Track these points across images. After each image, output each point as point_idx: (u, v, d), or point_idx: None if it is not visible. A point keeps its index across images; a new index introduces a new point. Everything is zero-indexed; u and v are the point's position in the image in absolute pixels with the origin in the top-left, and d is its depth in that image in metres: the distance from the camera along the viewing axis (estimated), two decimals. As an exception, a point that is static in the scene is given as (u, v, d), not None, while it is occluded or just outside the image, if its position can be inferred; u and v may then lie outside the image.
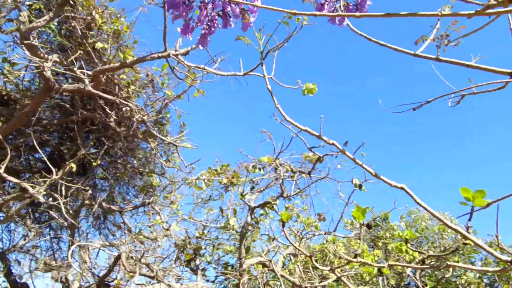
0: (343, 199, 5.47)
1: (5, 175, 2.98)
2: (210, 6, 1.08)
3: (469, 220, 1.63)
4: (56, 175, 3.15)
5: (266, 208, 5.62)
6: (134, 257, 3.93)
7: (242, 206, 5.57)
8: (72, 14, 3.89)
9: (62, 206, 3.14)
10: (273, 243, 6.33)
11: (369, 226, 1.85)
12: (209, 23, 1.06)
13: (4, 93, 4.56)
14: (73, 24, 4.00)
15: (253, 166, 5.16)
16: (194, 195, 5.38)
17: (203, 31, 1.07)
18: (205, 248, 5.78)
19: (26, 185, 3.10)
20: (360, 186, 4.91)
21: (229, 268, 6.15)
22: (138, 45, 4.15)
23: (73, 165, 3.02)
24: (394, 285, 7.34)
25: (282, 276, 4.13)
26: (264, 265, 5.16)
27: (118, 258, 3.90)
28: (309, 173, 5.54)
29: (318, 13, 1.04)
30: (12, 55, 4.31)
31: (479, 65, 1.14)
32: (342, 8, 1.28)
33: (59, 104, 4.70)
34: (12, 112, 4.34)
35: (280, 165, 5.26)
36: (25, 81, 4.60)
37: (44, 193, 3.18)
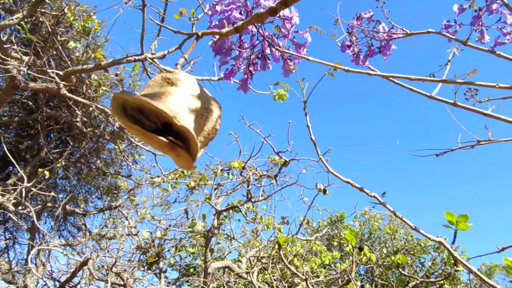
0: (307, 203, 5.59)
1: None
2: (249, 50, 1.07)
3: (453, 243, 1.72)
4: (28, 182, 3.00)
5: (231, 211, 5.63)
6: (104, 265, 3.81)
7: (209, 209, 5.56)
8: (41, 10, 3.70)
9: (33, 214, 2.99)
10: (233, 243, 6.36)
11: (360, 249, 1.90)
12: (250, 68, 1.05)
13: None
14: (41, 19, 3.81)
15: (221, 170, 5.15)
16: (161, 197, 5.30)
17: (245, 76, 1.06)
18: (168, 250, 5.71)
19: (-5, 193, 2.93)
20: (324, 191, 5.01)
21: (191, 270, 6.11)
22: (111, 45, 4.02)
23: (46, 172, 2.88)
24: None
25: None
26: (230, 269, 5.16)
27: (84, 264, 3.77)
28: (275, 177, 5.60)
29: (352, 69, 1.05)
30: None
31: (497, 115, 1.20)
32: (367, 50, 1.31)
33: (20, 100, 4.46)
34: (-31, 108, 4.08)
35: (247, 168, 5.28)
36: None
37: (14, 201, 3.02)
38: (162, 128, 0.67)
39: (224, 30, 0.81)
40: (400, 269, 1.78)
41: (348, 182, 1.02)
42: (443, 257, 7.77)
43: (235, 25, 0.77)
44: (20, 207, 3.02)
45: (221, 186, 5.49)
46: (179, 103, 0.68)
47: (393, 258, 1.90)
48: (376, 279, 8.05)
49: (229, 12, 0.95)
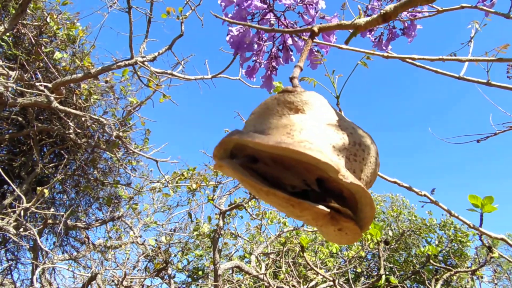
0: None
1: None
2: (270, 42, 0.96)
3: (480, 226, 1.64)
4: (25, 199, 2.88)
5: (234, 210, 5.54)
6: (114, 279, 3.71)
7: (211, 209, 5.47)
8: (22, 21, 3.55)
9: (37, 237, 2.87)
10: (238, 241, 6.28)
11: (386, 243, 1.81)
12: (273, 63, 0.95)
13: None
14: (23, 31, 3.66)
15: (222, 169, 5.05)
16: (163, 202, 5.19)
17: (268, 72, 0.95)
18: (175, 255, 5.61)
19: (-6, 217, 2.80)
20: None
21: (200, 273, 6.02)
22: (98, 51, 3.89)
23: (46, 191, 2.77)
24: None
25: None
26: (240, 269, 5.07)
27: (92, 279, 3.66)
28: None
29: (392, 55, 0.96)
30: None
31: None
32: (388, 33, 1.21)
33: (9, 117, 4.31)
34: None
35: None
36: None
37: (14, 223, 2.90)
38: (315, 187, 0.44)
39: (361, 20, 0.61)
40: (430, 260, 1.71)
41: (395, 182, 0.93)
42: (449, 234, 7.76)
43: (382, 13, 0.61)
44: (21, 229, 2.91)
45: (221, 184, 5.40)
46: (322, 142, 0.45)
47: (422, 249, 1.82)
48: (384, 262, 8.02)
49: (249, 1, 0.84)
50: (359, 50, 0.83)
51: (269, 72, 0.96)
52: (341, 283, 4.46)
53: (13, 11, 2.90)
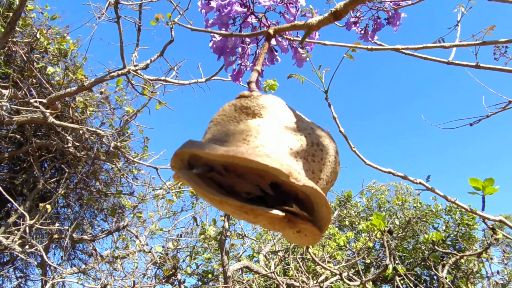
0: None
1: (-28, 229, 2.68)
2: (254, 45, 0.96)
3: (483, 209, 1.63)
4: (30, 219, 2.88)
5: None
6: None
7: (216, 212, 5.47)
8: (12, 39, 3.55)
9: (43, 253, 2.88)
10: (245, 241, 6.29)
11: (390, 232, 1.81)
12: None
13: None
14: (13, 49, 3.66)
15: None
16: (168, 208, 5.20)
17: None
18: (183, 260, 5.62)
19: (-1, 237, 2.81)
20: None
21: (209, 276, 6.03)
22: (90, 63, 3.90)
23: (48, 206, 2.77)
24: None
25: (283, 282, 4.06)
26: (249, 269, 5.08)
27: (101, 291, 3.67)
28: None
29: (376, 47, 0.96)
30: None
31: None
32: (373, 24, 1.20)
33: (6, 135, 4.32)
34: (-44, 152, 3.93)
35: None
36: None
37: (19, 241, 2.91)
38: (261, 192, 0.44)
39: (313, 20, 0.63)
40: (436, 246, 1.72)
41: (389, 172, 0.93)
42: (456, 218, 7.76)
43: (333, 11, 0.61)
44: (27, 246, 2.91)
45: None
46: (278, 145, 0.45)
47: (426, 236, 1.83)
48: (393, 251, 8.02)
49: (228, 7, 0.84)
50: (343, 44, 0.83)
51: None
52: (351, 275, 4.46)
53: (2, 30, 2.90)
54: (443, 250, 1.93)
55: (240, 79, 0.95)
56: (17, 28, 3.69)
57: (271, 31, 0.66)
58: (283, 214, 0.42)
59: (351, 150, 0.94)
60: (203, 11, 0.94)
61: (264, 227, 0.47)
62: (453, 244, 8.31)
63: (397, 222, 8.30)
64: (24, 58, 3.62)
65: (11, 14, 2.84)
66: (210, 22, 0.93)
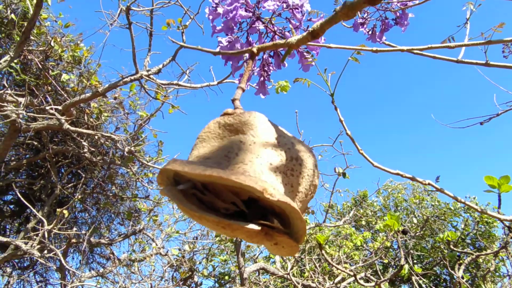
0: (328, 189, 5.51)
1: (-8, 236, 2.73)
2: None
3: (499, 206, 1.61)
4: (48, 224, 2.93)
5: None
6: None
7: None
8: (28, 48, 3.62)
9: (61, 257, 2.92)
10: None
11: (404, 232, 1.80)
12: (265, 68, 0.95)
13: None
14: (29, 57, 3.73)
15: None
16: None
17: (261, 79, 0.95)
18: (200, 263, 5.65)
19: (18, 242, 2.86)
20: (344, 175, 4.90)
21: (226, 277, 6.05)
22: (104, 69, 3.95)
23: (65, 211, 2.81)
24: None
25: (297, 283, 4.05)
26: (265, 270, 5.08)
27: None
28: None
29: (381, 49, 0.95)
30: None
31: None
32: (381, 24, 1.20)
33: (24, 142, 4.40)
34: (-24, 160, 4.02)
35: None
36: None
37: (38, 246, 2.96)
38: (240, 206, 0.46)
39: (293, 39, 0.67)
40: (451, 246, 1.70)
41: (397, 174, 0.92)
42: (475, 216, 7.64)
43: (310, 30, 0.64)
44: (45, 251, 2.96)
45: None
46: (258, 162, 0.47)
47: (441, 236, 1.81)
48: (411, 251, 7.93)
49: (234, 12, 0.84)
50: (348, 47, 0.83)
51: (262, 78, 0.96)
52: (368, 275, 4.43)
53: (17, 39, 2.95)
54: (459, 250, 1.90)
55: (248, 83, 0.95)
56: (32, 37, 3.76)
57: (254, 49, 0.69)
58: (259, 228, 0.44)
59: (358, 152, 0.94)
60: (211, 17, 0.95)
61: (245, 240, 0.48)
62: (473, 242, 8.19)
63: (414, 221, 8.21)
64: (40, 66, 3.68)
65: (25, 24, 2.90)
66: (217, 28, 0.93)
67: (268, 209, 0.47)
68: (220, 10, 0.88)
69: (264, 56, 0.97)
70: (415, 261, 8.18)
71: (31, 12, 2.92)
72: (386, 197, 9.64)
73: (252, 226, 0.44)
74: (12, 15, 3.55)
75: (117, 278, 4.82)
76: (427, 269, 7.99)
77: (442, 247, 7.88)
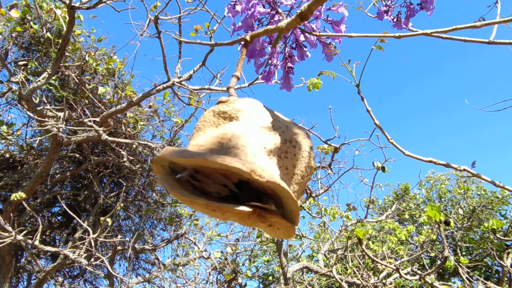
0: (368, 183, 5.43)
1: (41, 246, 2.85)
2: (281, 42, 0.96)
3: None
4: (93, 233, 3.03)
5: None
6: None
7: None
8: (64, 64, 3.76)
9: (107, 264, 3.02)
10: (304, 241, 6.25)
11: (447, 223, 1.74)
12: (288, 61, 0.95)
13: (8, 155, 4.42)
14: (66, 73, 3.87)
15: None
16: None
17: (284, 73, 0.95)
18: (243, 264, 5.68)
19: (66, 252, 2.97)
20: (383, 168, 4.81)
21: (270, 278, 6.05)
22: (137, 79, 4.05)
23: (108, 220, 2.90)
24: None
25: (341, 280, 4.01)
26: (309, 269, 5.05)
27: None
28: (329, 166, 5.45)
29: (404, 34, 0.93)
30: (6, 115, 4.19)
31: None
32: (406, 11, 1.17)
33: (67, 155, 4.56)
34: (23, 175, 4.20)
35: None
36: (26, 138, 4.48)
37: (85, 254, 3.06)
38: (237, 189, 0.46)
39: (283, 23, 0.67)
40: (497, 235, 1.63)
41: (430, 161, 0.89)
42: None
43: (298, 12, 0.64)
44: (92, 259, 3.06)
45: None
46: (251, 146, 0.47)
47: (486, 225, 1.74)
48: (459, 243, 7.68)
49: (252, 9, 0.85)
50: (370, 35, 0.81)
51: (285, 71, 0.95)
52: (414, 269, 4.32)
53: (54, 56, 3.07)
54: (506, 238, 1.82)
55: (271, 79, 0.95)
56: (67, 53, 3.90)
57: (247, 37, 0.69)
58: (250, 209, 0.44)
59: (388, 142, 0.92)
60: (230, 15, 0.96)
61: (238, 223, 0.48)
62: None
63: (461, 212, 7.95)
64: (76, 80, 3.81)
65: (60, 41, 3.01)
66: (237, 26, 0.94)
67: (262, 192, 0.47)
68: (238, 8, 0.89)
69: (286, 49, 0.97)
70: (463, 253, 7.92)
71: (65, 29, 3.03)
72: (429, 189, 9.38)
73: (242, 208, 0.44)
74: (48, 34, 3.69)
75: (163, 283, 4.93)
76: (477, 261, 7.71)
77: (491, 238, 7.58)
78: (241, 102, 0.56)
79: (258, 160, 0.46)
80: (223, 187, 0.46)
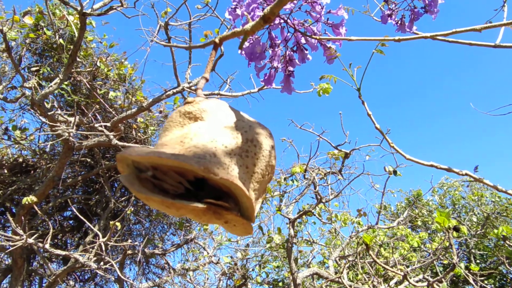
0: (379, 189, 5.39)
1: (52, 249, 2.88)
2: (283, 45, 0.96)
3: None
4: (103, 236, 3.05)
5: (304, 216, 5.50)
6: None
7: (281, 219, 5.48)
8: (76, 70, 3.81)
9: (117, 268, 3.03)
10: (314, 247, 6.21)
11: (456, 229, 1.72)
12: (288, 64, 0.95)
13: (21, 160, 4.49)
14: (78, 79, 3.92)
15: (284, 179, 5.05)
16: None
17: (285, 75, 0.95)
18: (253, 270, 5.66)
19: (76, 255, 3.00)
20: (395, 172, 4.76)
21: (280, 284, 6.02)
22: (148, 85, 4.09)
23: (118, 224, 2.92)
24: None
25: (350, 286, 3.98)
26: (319, 275, 5.01)
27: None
28: (340, 171, 5.42)
29: (404, 37, 0.93)
30: (20, 120, 4.25)
31: None
32: (410, 14, 1.16)
33: (78, 160, 4.61)
34: (36, 179, 4.25)
35: (309, 170, 5.13)
36: (39, 143, 4.54)
37: (95, 258, 3.09)
38: (196, 187, 0.48)
39: (248, 26, 0.68)
40: (507, 242, 1.60)
41: (431, 166, 0.88)
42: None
43: (261, 16, 0.65)
44: (101, 263, 3.08)
45: (287, 193, 5.39)
46: (212, 144, 0.49)
47: (495, 231, 1.71)
48: (473, 250, 7.57)
49: (252, 13, 0.85)
50: (369, 38, 0.81)
51: (286, 74, 0.95)
52: (426, 277, 4.26)
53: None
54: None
55: (272, 82, 0.95)
56: (79, 59, 3.96)
57: (217, 40, 0.71)
58: (204, 206, 0.45)
59: (389, 146, 0.91)
60: (231, 17, 0.96)
61: (194, 219, 0.49)
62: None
63: (474, 219, 7.84)
64: (88, 86, 3.85)
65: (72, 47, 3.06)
66: (238, 30, 0.94)
67: (223, 191, 0.48)
68: (239, 11, 0.89)
69: (287, 52, 0.97)
70: (478, 261, 7.79)
71: (77, 35, 3.07)
72: (442, 195, 9.26)
73: (196, 204, 0.45)
74: (60, 40, 3.75)
75: (173, 287, 4.93)
76: (491, 269, 7.59)
77: (506, 245, 7.44)
78: (206, 103, 0.57)
79: (216, 159, 0.47)
80: (179, 185, 0.47)
